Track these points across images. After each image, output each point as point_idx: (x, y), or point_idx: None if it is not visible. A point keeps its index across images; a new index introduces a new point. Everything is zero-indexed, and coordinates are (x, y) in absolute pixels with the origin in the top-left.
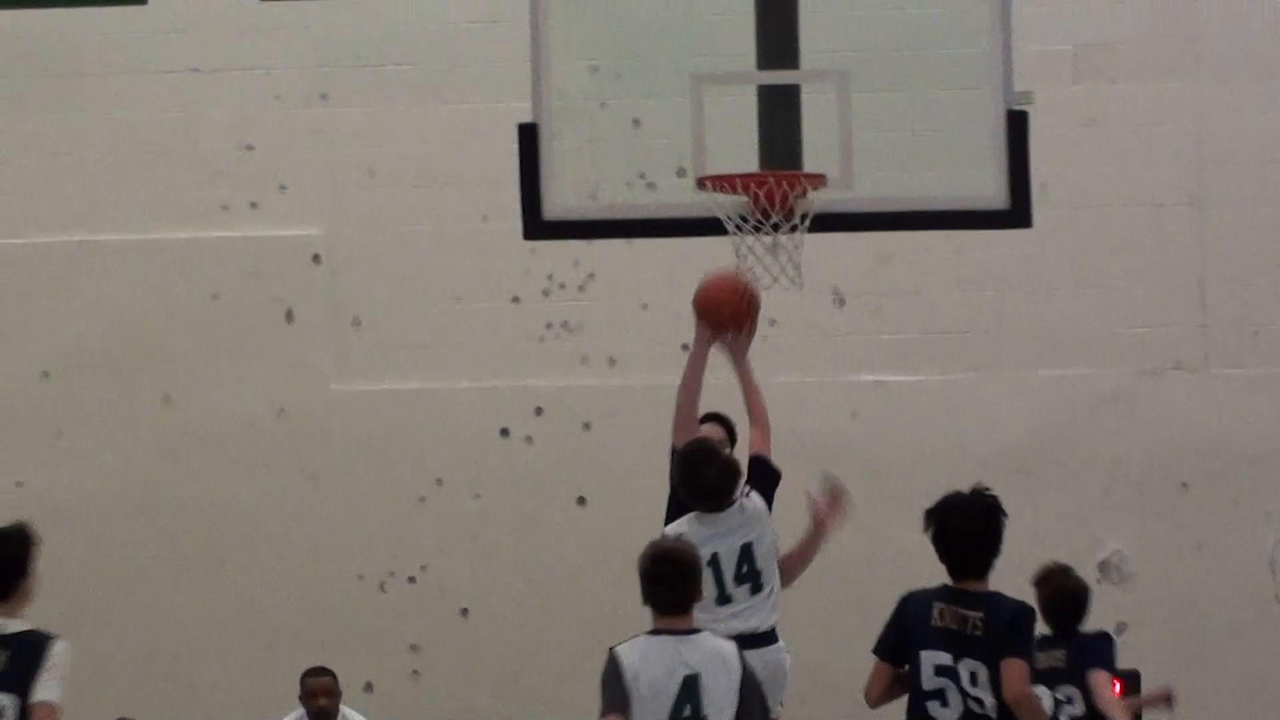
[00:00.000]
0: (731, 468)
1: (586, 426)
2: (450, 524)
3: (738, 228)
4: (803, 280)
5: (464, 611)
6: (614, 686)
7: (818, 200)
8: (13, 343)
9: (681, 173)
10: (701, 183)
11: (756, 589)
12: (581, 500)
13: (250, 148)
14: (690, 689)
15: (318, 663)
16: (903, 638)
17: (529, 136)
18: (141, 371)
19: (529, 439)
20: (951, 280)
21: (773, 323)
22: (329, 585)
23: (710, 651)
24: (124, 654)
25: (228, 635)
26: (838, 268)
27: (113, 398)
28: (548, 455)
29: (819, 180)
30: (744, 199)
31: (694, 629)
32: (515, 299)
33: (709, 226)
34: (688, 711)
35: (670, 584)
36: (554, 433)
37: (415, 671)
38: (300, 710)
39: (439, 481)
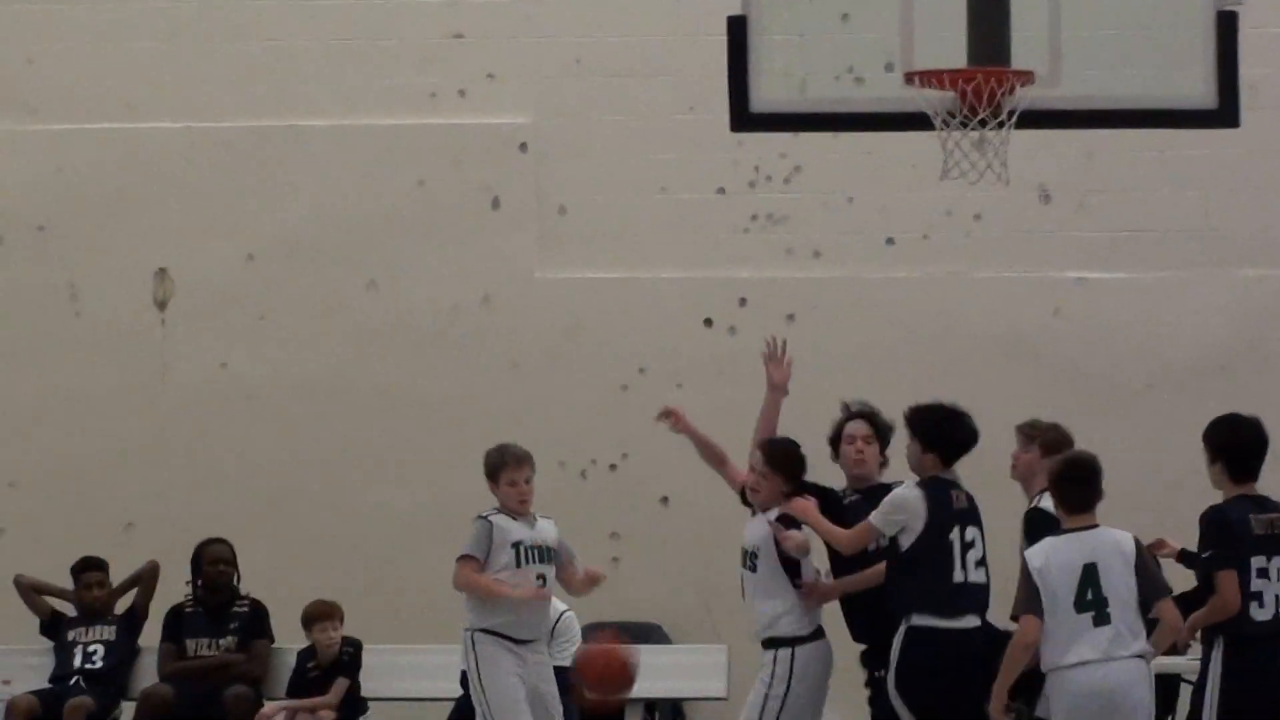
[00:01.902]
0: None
1: (790, 318)
2: (652, 413)
3: (944, 123)
4: (1009, 176)
5: (664, 500)
6: (1026, 586)
7: (1025, 97)
8: (220, 227)
9: (889, 67)
10: (909, 78)
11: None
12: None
13: (459, 36)
14: (1090, 575)
15: None
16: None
17: (738, 29)
18: (346, 257)
19: (732, 329)
20: (1158, 179)
21: (977, 218)
22: None
23: (1108, 542)
24: (322, 539)
25: (427, 522)
26: (1044, 165)
27: (317, 283)
28: (751, 346)
29: (1027, 77)
30: (952, 94)
31: (1094, 524)
32: (721, 190)
33: (915, 121)
34: (1090, 595)
35: (1080, 484)
36: (757, 324)
37: (615, 559)
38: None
39: (641, 370)
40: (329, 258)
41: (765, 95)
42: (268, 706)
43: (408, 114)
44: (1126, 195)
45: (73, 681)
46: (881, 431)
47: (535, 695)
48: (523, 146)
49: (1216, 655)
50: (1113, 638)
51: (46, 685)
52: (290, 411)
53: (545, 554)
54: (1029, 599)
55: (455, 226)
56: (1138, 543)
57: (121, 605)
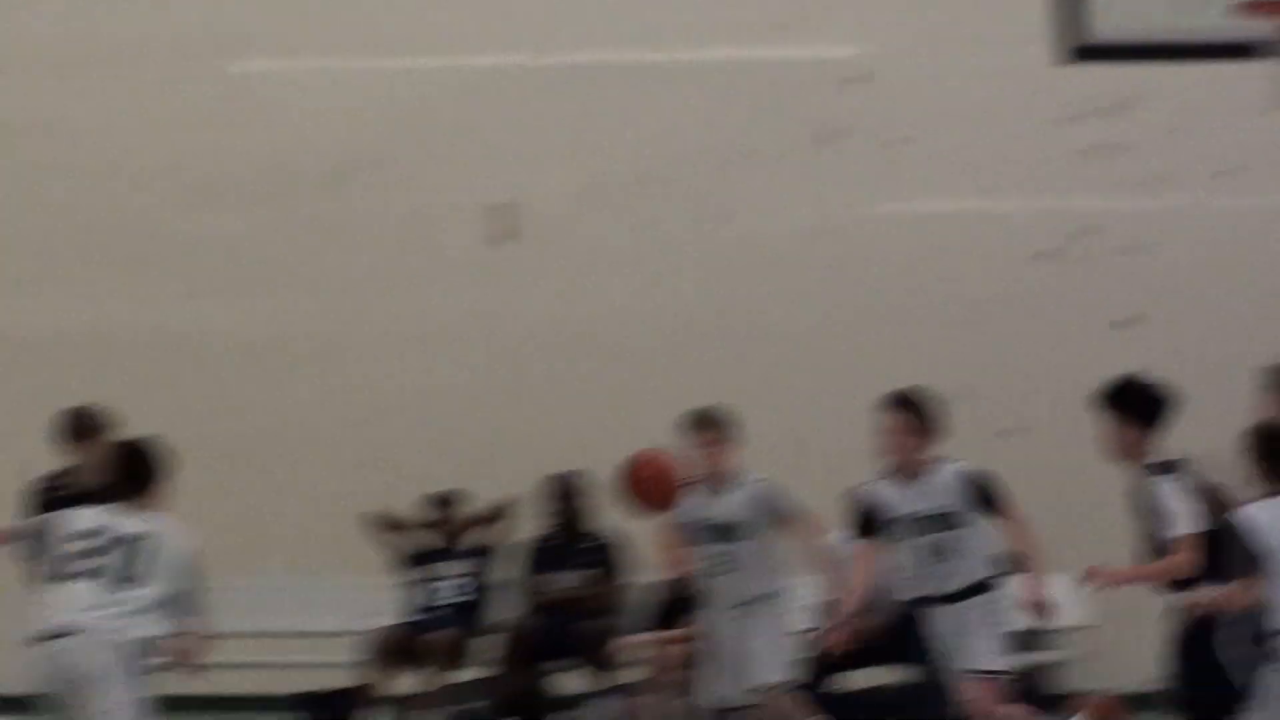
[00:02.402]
0: None
1: (1127, 249)
2: (991, 345)
3: (1274, 52)
4: None
5: (1004, 432)
6: (1250, 542)
7: None
8: (559, 161)
9: None
10: (1242, 8)
11: None
12: (1122, 323)
13: None
14: None
15: (856, 481)
16: None
17: None
18: (686, 191)
19: (1070, 260)
20: None
21: None
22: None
23: None
24: None
25: (771, 445)
26: None
27: (656, 217)
28: (1089, 277)
29: None
30: None
31: None
32: (1057, 121)
33: (1248, 51)
34: None
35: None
36: (1095, 254)
37: None
38: (840, 530)
39: (980, 302)
40: (669, 191)
41: (1101, 25)
42: (626, 639)
43: (747, 47)
44: None
45: (433, 615)
46: None
47: None
48: (861, 79)
49: None
50: None
51: (407, 619)
52: (631, 346)
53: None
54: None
55: (795, 159)
56: None
57: (481, 539)
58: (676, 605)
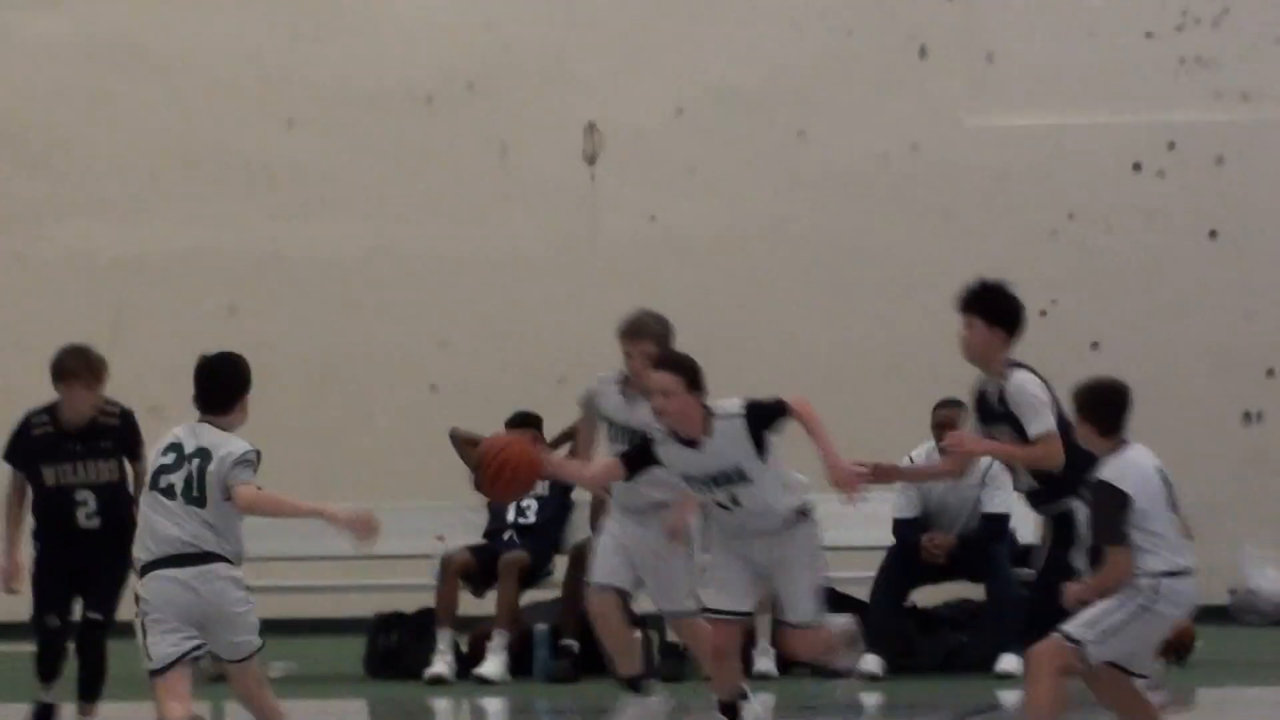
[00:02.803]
0: None
1: (1219, 160)
2: (1081, 258)
3: None
4: None
5: (1094, 345)
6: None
7: None
8: (649, 80)
9: None
10: None
11: None
12: (1213, 234)
13: None
14: None
15: (950, 395)
16: None
17: None
18: (776, 108)
19: (1161, 173)
20: None
21: None
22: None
23: None
24: (751, 386)
25: (861, 365)
26: None
27: (746, 134)
28: (1179, 189)
29: None
30: None
31: None
32: (1149, 34)
33: None
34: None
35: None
36: (1186, 167)
37: None
38: (929, 442)
39: (1070, 216)
40: (758, 109)
41: None
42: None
43: None
44: None
45: (506, 536)
46: None
47: None
48: None
49: None
50: None
51: (481, 540)
52: (720, 263)
53: None
54: None
55: (883, 75)
56: None
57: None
58: None
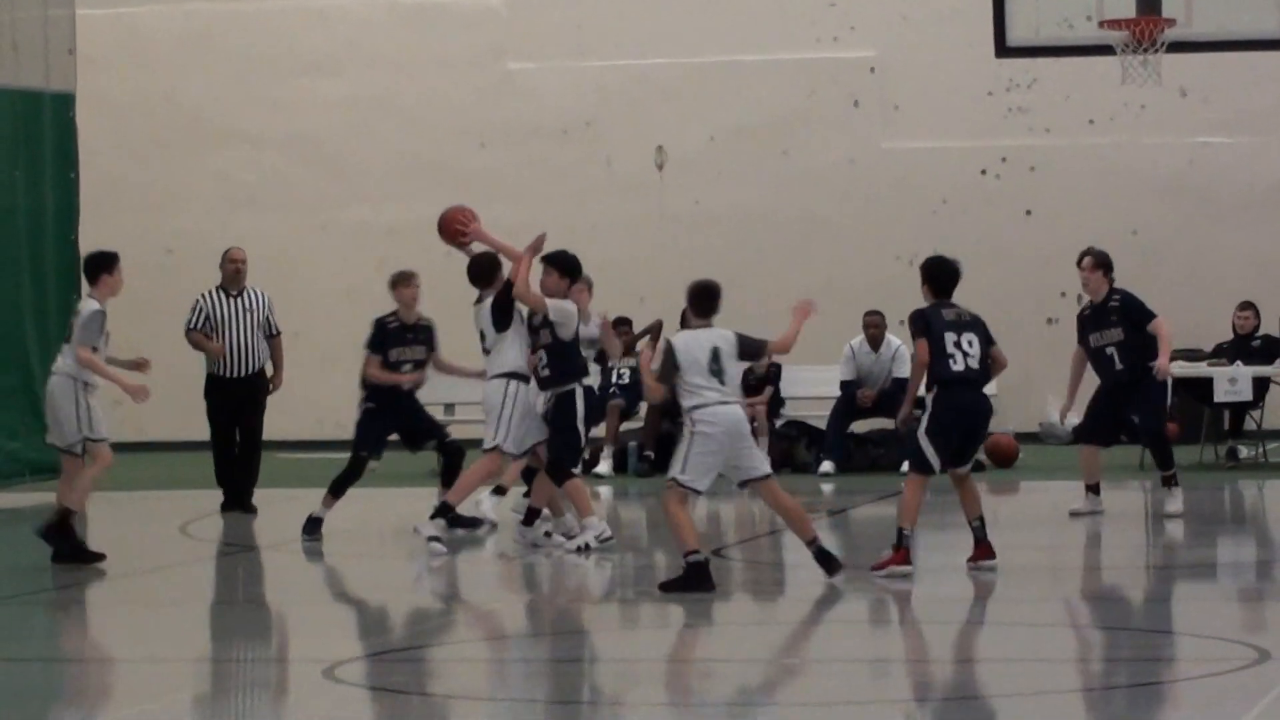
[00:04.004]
0: None
1: (1032, 169)
2: (950, 229)
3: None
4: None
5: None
6: (669, 359)
7: (1170, 33)
8: (692, 120)
9: None
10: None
11: None
12: (1028, 213)
13: None
14: None
15: (874, 308)
16: None
17: None
18: (770, 137)
19: (997, 176)
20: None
21: (1142, 107)
22: None
23: None
24: (752, 311)
25: (823, 298)
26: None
27: (751, 152)
28: (1009, 186)
29: (1170, 22)
30: None
31: None
32: (990, 92)
33: None
34: None
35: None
36: (1012, 172)
37: None
38: (861, 336)
39: (944, 201)
40: (758, 137)
41: None
42: None
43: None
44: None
45: (611, 390)
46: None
47: None
48: None
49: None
50: None
51: (600, 393)
52: (734, 229)
53: None
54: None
55: (833, 117)
56: None
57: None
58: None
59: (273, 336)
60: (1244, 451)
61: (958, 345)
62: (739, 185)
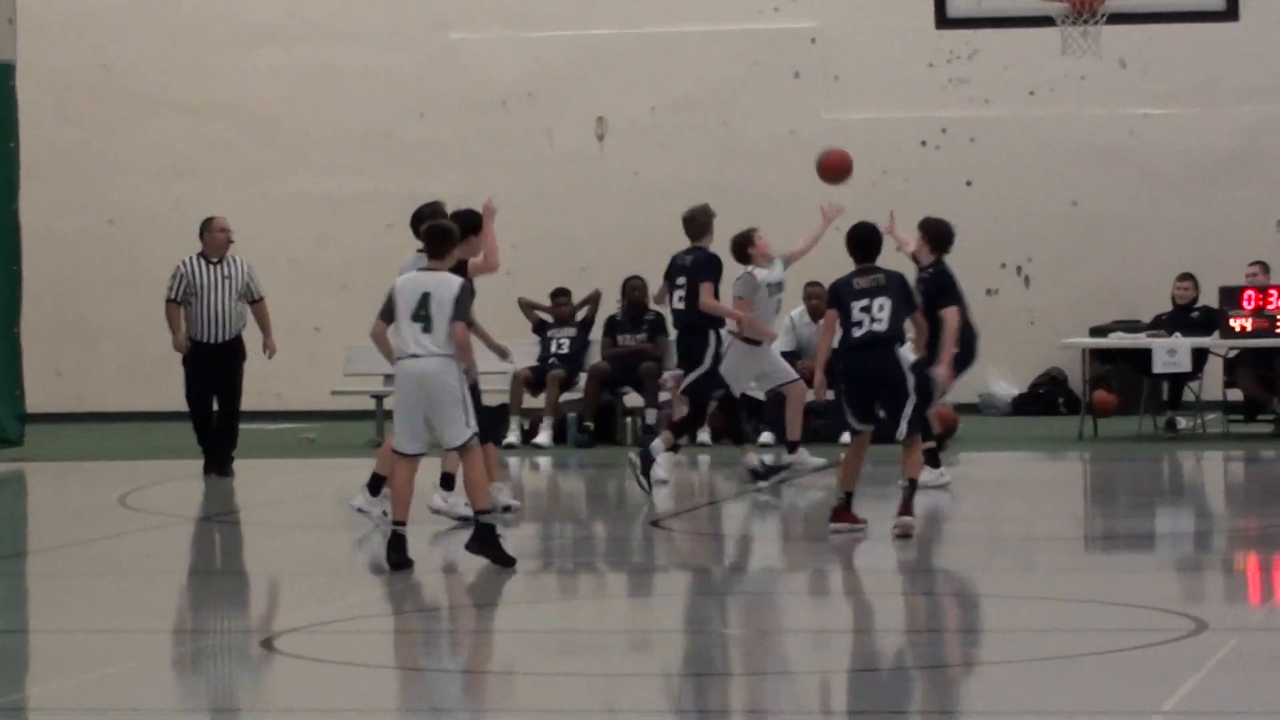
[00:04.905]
0: None
1: (972, 140)
2: (890, 198)
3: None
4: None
5: (896, 250)
6: (391, 299)
7: (1110, 4)
8: (634, 90)
9: None
10: None
11: None
12: (969, 183)
13: None
14: None
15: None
16: None
17: None
18: (712, 107)
19: (938, 147)
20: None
21: (1082, 78)
22: None
23: None
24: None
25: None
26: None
27: (693, 123)
28: (948, 157)
29: None
30: None
31: None
32: (931, 64)
33: None
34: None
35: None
36: (952, 144)
37: None
38: (801, 306)
39: (884, 172)
40: (701, 108)
41: None
42: (666, 375)
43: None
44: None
45: (550, 360)
46: None
47: None
48: None
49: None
50: None
51: (535, 363)
52: (676, 203)
53: None
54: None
55: (775, 88)
56: None
57: (581, 316)
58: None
59: (255, 302)
60: (1183, 422)
61: (866, 310)
62: (680, 156)
